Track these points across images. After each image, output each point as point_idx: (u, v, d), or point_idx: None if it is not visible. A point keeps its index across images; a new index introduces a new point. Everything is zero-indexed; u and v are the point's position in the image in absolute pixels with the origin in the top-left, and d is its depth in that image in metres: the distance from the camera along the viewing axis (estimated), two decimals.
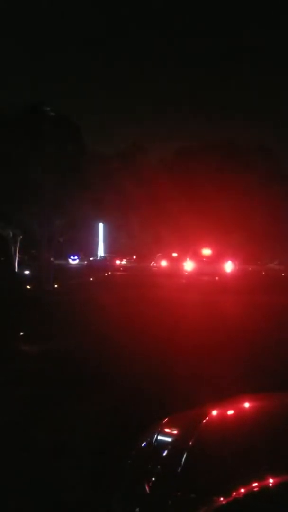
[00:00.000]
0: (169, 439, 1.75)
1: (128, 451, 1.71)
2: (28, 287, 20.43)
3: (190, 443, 1.55)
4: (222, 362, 6.82)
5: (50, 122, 22.84)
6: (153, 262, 39.43)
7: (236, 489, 1.23)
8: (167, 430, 1.81)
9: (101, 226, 45.52)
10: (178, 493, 1.30)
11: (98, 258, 45.52)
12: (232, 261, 25.86)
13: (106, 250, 47.55)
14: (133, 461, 1.64)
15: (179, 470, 1.41)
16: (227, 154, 36.80)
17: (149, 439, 1.72)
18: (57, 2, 76.65)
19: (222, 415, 1.94)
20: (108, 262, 40.94)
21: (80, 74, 77.58)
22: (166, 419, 1.90)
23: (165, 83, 78.03)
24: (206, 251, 25.26)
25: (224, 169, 34.70)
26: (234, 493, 1.21)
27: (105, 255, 46.14)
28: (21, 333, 9.12)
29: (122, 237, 42.80)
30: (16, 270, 26.42)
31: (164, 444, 1.69)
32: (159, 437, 1.71)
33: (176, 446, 1.65)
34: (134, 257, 47.86)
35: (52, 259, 24.33)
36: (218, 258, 24.52)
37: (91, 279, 27.12)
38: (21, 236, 25.40)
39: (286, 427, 1.68)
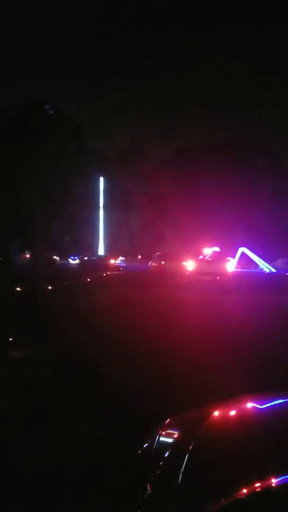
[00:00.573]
0: (171, 440, 1.75)
1: (130, 452, 1.71)
2: (18, 289, 19.08)
3: (192, 443, 1.55)
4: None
5: (51, 121, 22.86)
6: (151, 261, 39.33)
7: (239, 489, 1.23)
8: (169, 430, 1.80)
9: (101, 226, 45.56)
10: (180, 494, 1.30)
11: (95, 257, 45.17)
12: (233, 260, 25.83)
13: (107, 249, 47.45)
14: (134, 461, 1.64)
15: (181, 471, 1.41)
16: (227, 153, 36.80)
17: (151, 439, 1.72)
18: (57, 2, 76.64)
19: (225, 415, 1.93)
20: (102, 262, 40.49)
21: (81, 74, 77.65)
22: (168, 419, 1.90)
23: (165, 83, 78.04)
24: (208, 251, 25.25)
25: (225, 168, 34.69)
26: (236, 494, 1.21)
27: (100, 254, 45.85)
28: (10, 339, 8.64)
29: (123, 237, 42.85)
30: (14, 270, 25.88)
31: (166, 445, 1.68)
32: (161, 438, 1.71)
33: (178, 446, 1.64)
34: (139, 256, 47.51)
35: (56, 258, 24.13)
36: (219, 257, 24.50)
37: (88, 279, 26.78)
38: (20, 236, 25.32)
39: None
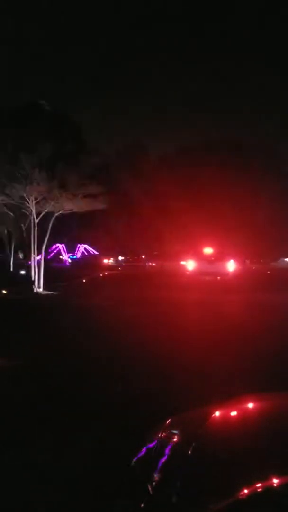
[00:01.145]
0: (171, 440, 1.75)
1: (130, 453, 1.71)
2: (4, 291, 17.75)
3: (194, 444, 1.55)
4: None
5: (50, 120, 22.82)
6: (148, 261, 39.05)
7: (240, 489, 1.23)
8: (169, 431, 1.80)
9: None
10: (181, 494, 1.30)
11: (86, 256, 43.29)
12: (235, 260, 25.73)
13: (103, 248, 46.98)
14: (136, 461, 1.64)
15: (182, 471, 1.41)
16: (228, 152, 36.73)
17: (152, 440, 1.72)
18: (58, 1, 76.67)
19: (225, 415, 1.93)
20: (94, 261, 38.89)
21: (80, 74, 77.63)
22: (169, 419, 1.89)
23: (166, 82, 78.05)
24: (208, 250, 25.14)
25: (225, 167, 34.62)
26: (238, 494, 1.21)
27: (90, 254, 44.58)
28: None
29: (123, 236, 42.70)
30: (11, 270, 25.28)
31: (166, 445, 1.68)
32: (162, 438, 1.71)
33: (179, 447, 1.64)
34: (143, 256, 47.25)
35: (62, 257, 23.40)
36: (220, 257, 24.40)
37: (84, 280, 26.18)
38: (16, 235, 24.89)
39: None
